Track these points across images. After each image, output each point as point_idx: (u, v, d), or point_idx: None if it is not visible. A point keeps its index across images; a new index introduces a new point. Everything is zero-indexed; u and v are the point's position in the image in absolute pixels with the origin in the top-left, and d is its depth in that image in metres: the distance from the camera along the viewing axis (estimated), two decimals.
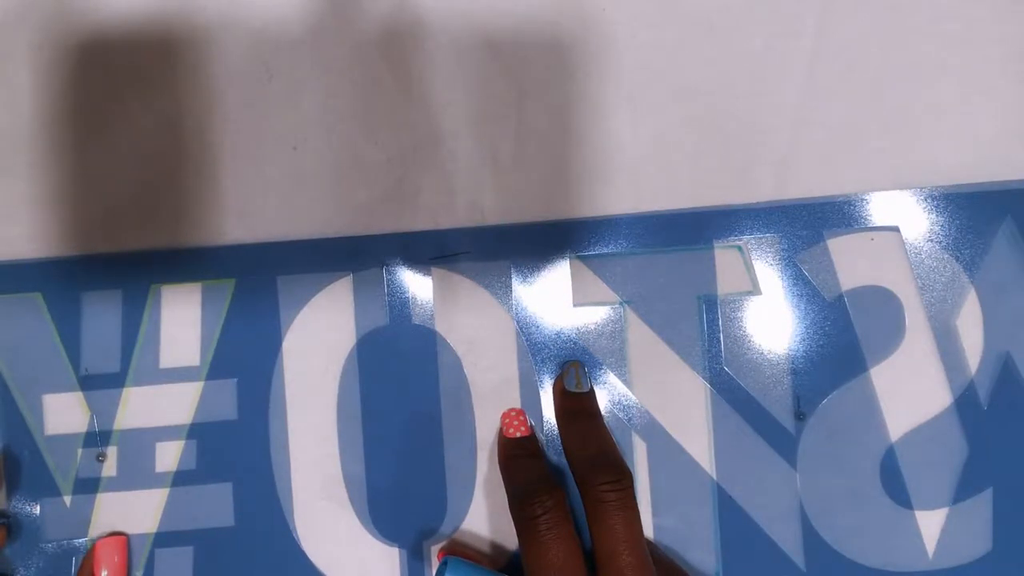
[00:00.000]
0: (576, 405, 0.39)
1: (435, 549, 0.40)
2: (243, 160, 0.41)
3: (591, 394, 0.40)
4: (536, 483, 0.36)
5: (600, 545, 0.35)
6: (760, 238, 0.41)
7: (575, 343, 0.41)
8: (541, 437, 0.40)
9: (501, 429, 0.40)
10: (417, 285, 0.41)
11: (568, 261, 0.41)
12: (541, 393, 0.41)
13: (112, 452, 0.40)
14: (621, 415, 0.40)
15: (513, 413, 0.40)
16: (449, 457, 0.40)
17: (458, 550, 0.40)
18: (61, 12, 0.40)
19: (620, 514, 0.35)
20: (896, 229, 0.40)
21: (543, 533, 0.35)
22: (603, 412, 0.40)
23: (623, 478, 0.36)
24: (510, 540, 0.41)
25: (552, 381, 0.41)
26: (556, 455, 0.40)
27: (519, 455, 0.39)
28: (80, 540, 0.40)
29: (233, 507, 0.40)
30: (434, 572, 0.39)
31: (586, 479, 0.36)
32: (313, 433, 0.40)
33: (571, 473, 0.38)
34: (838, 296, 0.40)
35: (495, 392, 0.41)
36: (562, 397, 0.40)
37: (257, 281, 0.41)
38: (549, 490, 0.36)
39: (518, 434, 0.40)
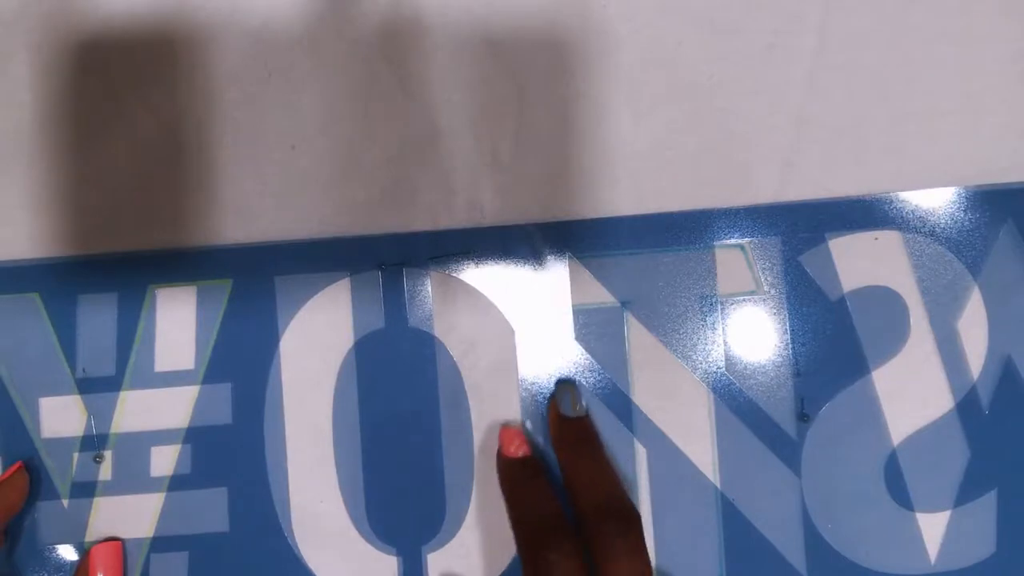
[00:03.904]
0: (575, 432, 0.39)
1: (433, 555, 0.40)
2: (241, 159, 0.41)
3: (588, 418, 0.39)
4: (550, 522, 0.35)
5: None
6: (762, 239, 0.40)
7: (574, 345, 0.40)
8: (539, 452, 0.40)
9: (500, 447, 0.40)
10: (416, 286, 0.40)
11: (568, 262, 0.40)
12: (540, 397, 0.40)
13: (108, 456, 0.40)
14: (621, 420, 0.40)
15: (512, 431, 0.39)
16: (447, 461, 0.40)
17: None
18: (61, 12, 0.41)
19: (629, 562, 0.34)
20: (899, 229, 0.40)
21: None
22: (602, 412, 0.40)
23: (631, 521, 0.35)
24: (508, 545, 0.40)
25: (548, 387, 0.40)
26: (553, 465, 0.40)
27: (521, 476, 0.38)
28: (77, 544, 0.40)
29: (228, 512, 0.40)
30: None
31: (593, 525, 0.35)
32: (309, 437, 0.40)
33: (573, 508, 0.36)
34: (840, 297, 0.40)
35: (494, 395, 0.40)
36: (559, 423, 0.39)
37: (254, 282, 0.40)
38: (567, 536, 0.34)
39: (520, 453, 0.39)
